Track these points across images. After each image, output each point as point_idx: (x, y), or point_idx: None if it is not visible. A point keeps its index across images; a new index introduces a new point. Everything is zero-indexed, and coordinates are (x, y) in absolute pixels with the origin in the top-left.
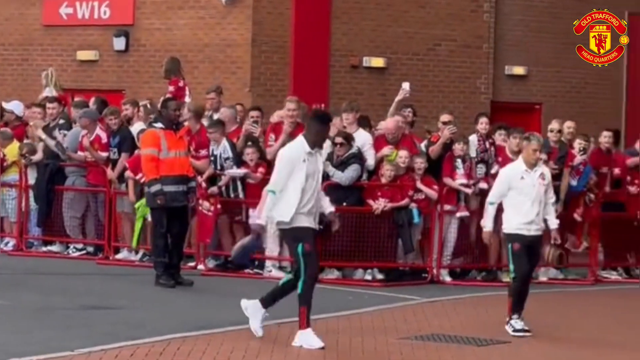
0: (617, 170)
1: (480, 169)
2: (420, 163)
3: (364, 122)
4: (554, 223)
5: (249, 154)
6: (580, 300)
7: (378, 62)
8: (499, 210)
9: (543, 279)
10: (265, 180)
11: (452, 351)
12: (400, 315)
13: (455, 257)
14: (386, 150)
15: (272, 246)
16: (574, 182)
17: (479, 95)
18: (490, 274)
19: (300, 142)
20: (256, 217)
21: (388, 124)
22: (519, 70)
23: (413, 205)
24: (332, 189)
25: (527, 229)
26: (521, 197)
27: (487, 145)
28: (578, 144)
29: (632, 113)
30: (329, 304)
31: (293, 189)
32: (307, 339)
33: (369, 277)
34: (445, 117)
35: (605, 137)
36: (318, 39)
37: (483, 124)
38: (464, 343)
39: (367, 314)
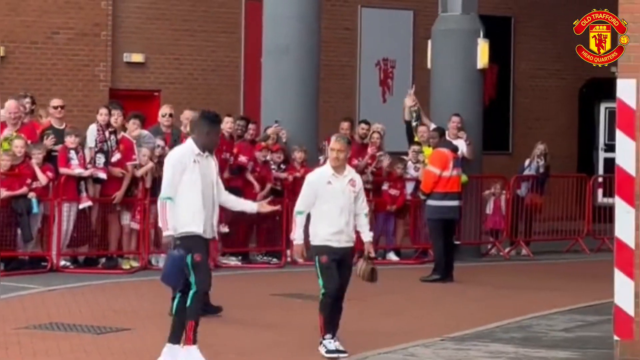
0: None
1: (100, 159)
2: (38, 154)
3: None
4: (368, 235)
5: None
6: None
7: None
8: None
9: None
10: None
11: (71, 340)
12: (19, 305)
13: (80, 246)
14: None
15: None
16: None
17: (98, 83)
18: (111, 261)
19: (188, 145)
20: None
21: (9, 105)
22: (137, 57)
23: (32, 195)
24: None
25: (336, 240)
26: (329, 205)
27: (107, 134)
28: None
29: (250, 100)
30: None
31: (191, 194)
32: (191, 355)
33: None
34: (55, 102)
35: (227, 123)
36: None
37: (102, 114)
38: (84, 332)
39: None
